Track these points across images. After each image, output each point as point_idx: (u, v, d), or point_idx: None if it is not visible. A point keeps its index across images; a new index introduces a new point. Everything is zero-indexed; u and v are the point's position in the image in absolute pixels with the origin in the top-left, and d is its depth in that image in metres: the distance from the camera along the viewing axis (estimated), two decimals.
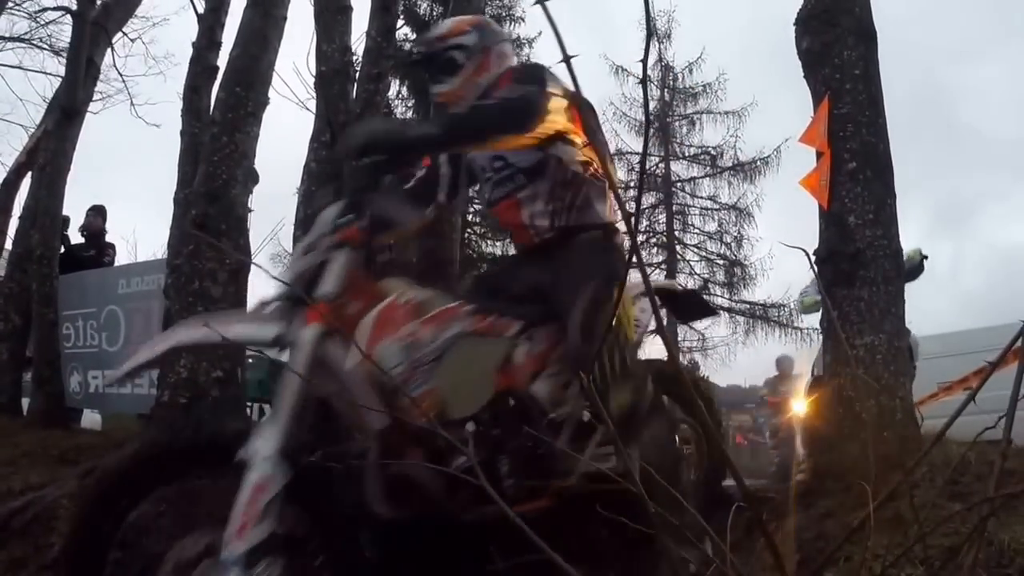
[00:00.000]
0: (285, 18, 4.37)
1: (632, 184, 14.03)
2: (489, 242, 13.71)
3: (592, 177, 2.10)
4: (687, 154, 16.90)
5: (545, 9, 0.85)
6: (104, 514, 1.61)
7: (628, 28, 36.67)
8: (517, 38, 14.14)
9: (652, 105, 14.86)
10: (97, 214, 6.60)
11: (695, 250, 16.65)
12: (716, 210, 16.59)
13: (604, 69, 16.81)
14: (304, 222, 3.96)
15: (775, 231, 17.99)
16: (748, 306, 16.08)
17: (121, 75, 9.26)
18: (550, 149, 2.03)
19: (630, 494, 1.02)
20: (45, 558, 2.62)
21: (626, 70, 16.70)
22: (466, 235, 12.77)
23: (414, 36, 12.10)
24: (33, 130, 7.81)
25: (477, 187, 2.36)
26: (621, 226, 2.13)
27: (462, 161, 2.28)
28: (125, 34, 8.52)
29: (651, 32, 0.98)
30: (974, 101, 51.66)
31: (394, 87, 12.37)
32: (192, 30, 5.76)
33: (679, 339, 15.23)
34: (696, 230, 16.72)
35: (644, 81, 0.93)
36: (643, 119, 3.13)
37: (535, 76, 1.98)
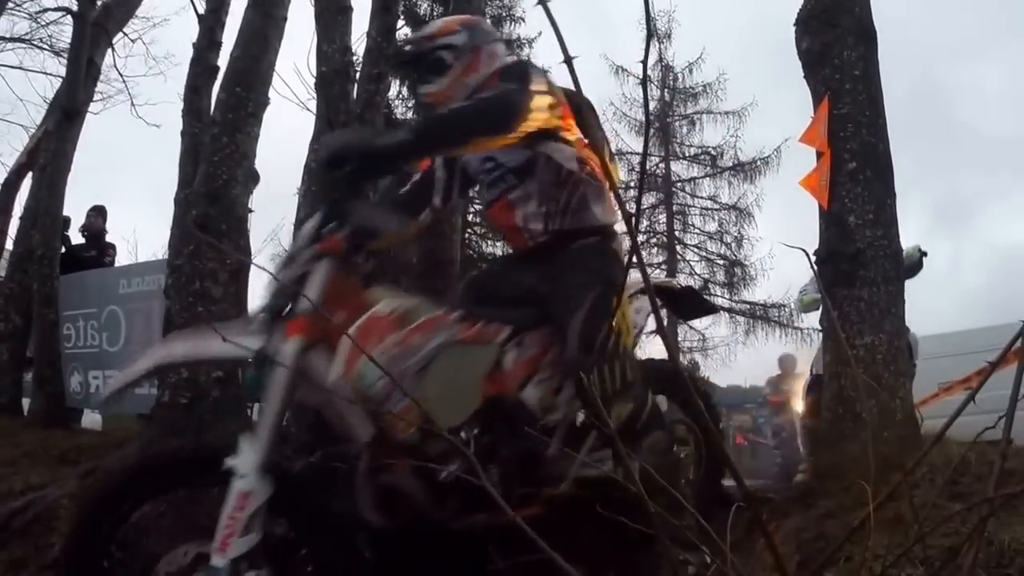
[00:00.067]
0: (285, 18, 4.38)
1: (632, 184, 14.03)
2: (490, 242, 13.71)
3: (589, 176, 2.04)
4: (687, 154, 16.95)
5: (546, 9, 0.85)
6: (105, 515, 1.61)
7: (628, 28, 36.79)
8: (517, 38, 14.17)
9: (652, 105, 14.88)
10: (98, 214, 6.61)
11: (695, 250, 16.70)
12: (716, 210, 16.64)
13: (604, 69, 16.87)
14: (304, 222, 3.96)
15: (775, 231, 18.04)
16: (748, 306, 16.13)
17: (121, 75, 9.28)
18: (538, 147, 1.99)
19: (628, 496, 1.02)
20: (45, 558, 2.62)
21: (626, 70, 16.76)
22: (466, 235, 12.78)
23: None
24: (34, 130, 7.82)
25: (477, 188, 2.33)
26: (620, 227, 2.09)
27: (457, 164, 2.24)
28: (125, 34, 8.54)
29: (651, 32, 0.98)
30: (973, 100, 51.61)
31: (394, 87, 12.37)
32: (192, 30, 5.78)
33: (679, 339, 15.24)
34: (696, 230, 16.77)
35: (644, 81, 0.93)
36: (643, 119, 3.13)
37: (518, 74, 1.93)
